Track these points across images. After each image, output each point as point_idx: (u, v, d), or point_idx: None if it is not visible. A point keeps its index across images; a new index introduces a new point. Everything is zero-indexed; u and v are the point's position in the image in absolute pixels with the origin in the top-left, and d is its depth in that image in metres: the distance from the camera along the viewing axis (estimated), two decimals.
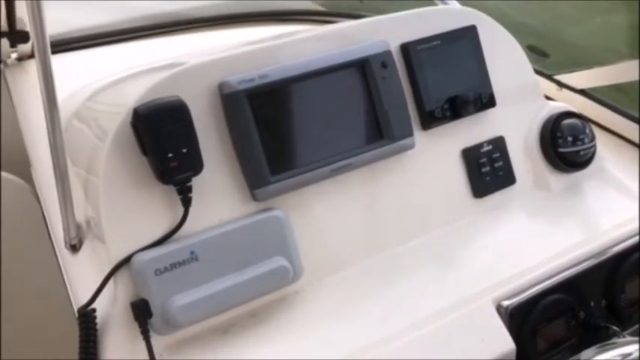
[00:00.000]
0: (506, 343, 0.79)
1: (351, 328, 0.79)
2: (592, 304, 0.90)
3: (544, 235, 0.94)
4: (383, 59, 0.88)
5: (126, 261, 0.75)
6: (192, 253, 0.75)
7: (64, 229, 0.83)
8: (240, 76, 0.79)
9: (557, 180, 1.03)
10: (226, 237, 0.78)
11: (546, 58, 1.40)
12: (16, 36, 1.00)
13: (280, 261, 0.79)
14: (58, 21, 1.49)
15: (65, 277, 0.85)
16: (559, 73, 1.19)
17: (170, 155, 0.73)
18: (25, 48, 1.27)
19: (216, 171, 0.80)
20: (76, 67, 1.32)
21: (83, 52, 1.43)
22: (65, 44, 1.41)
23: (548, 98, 1.23)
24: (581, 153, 1.01)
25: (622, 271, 0.91)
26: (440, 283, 0.85)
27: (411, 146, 0.91)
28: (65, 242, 0.84)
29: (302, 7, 1.83)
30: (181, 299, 0.74)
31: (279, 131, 0.82)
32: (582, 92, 1.17)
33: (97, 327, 0.74)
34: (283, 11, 1.67)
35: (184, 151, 0.74)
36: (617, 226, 0.95)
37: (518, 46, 1.04)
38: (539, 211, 1.00)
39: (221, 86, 0.79)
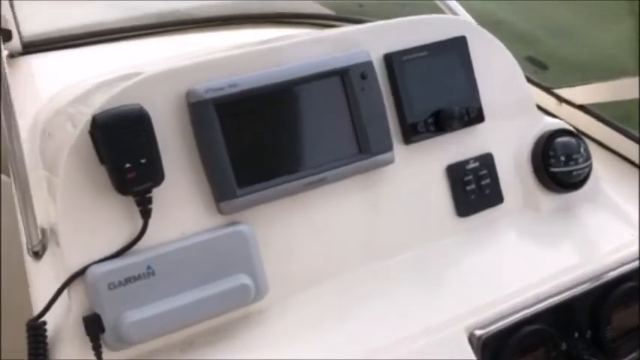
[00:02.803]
0: None
1: (312, 351, 0.76)
2: (576, 334, 0.85)
3: (529, 259, 0.90)
4: (363, 70, 0.84)
5: (81, 273, 0.72)
6: (148, 267, 0.73)
7: (25, 235, 0.81)
8: (208, 85, 0.76)
9: (548, 200, 0.98)
10: (186, 252, 0.75)
11: (545, 71, 1.34)
12: None
13: (242, 279, 0.76)
14: (55, 18, 1.48)
15: (29, 284, 0.83)
16: (559, 87, 1.14)
17: (128, 166, 0.70)
18: (14, 45, 1.26)
19: (182, 182, 0.77)
20: (70, 65, 1.31)
21: (79, 49, 1.42)
22: (62, 41, 1.40)
23: (547, 113, 1.18)
24: (574, 173, 0.96)
25: (609, 300, 0.86)
26: (411, 307, 0.81)
27: (390, 161, 0.87)
28: (27, 249, 0.81)
29: (307, 9, 1.79)
30: (134, 315, 0.71)
31: (249, 142, 0.79)
32: (582, 108, 1.12)
33: (47, 340, 0.71)
34: (285, 13, 1.63)
35: (143, 161, 0.71)
36: (608, 252, 0.90)
37: (512, 59, 0.99)
38: (527, 233, 0.95)
39: (188, 95, 0.76)
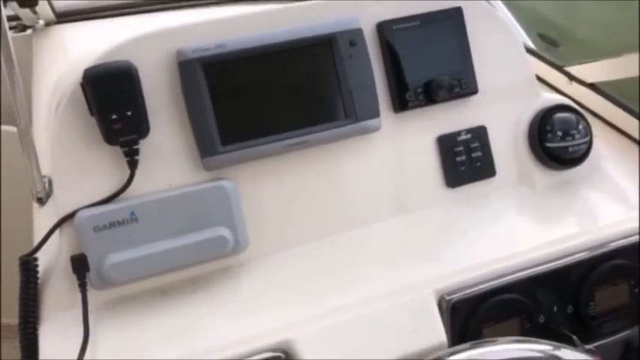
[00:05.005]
0: (438, 338, 0.75)
1: (286, 303, 0.79)
2: (555, 308, 0.84)
3: (516, 230, 0.89)
4: (352, 37, 0.86)
5: (71, 216, 0.78)
6: (132, 214, 0.78)
7: (30, 182, 0.87)
8: (196, 45, 0.80)
9: (543, 176, 0.97)
10: (168, 202, 0.79)
11: (556, 48, 1.30)
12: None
13: (221, 231, 0.80)
14: None
15: (34, 229, 0.90)
16: (570, 64, 1.11)
17: (114, 117, 0.75)
18: (49, 14, 1.34)
19: (169, 137, 0.82)
20: (101, 34, 1.38)
21: (110, 20, 1.48)
22: (93, 12, 1.47)
23: (558, 91, 1.16)
24: (570, 149, 0.94)
25: (594, 277, 0.85)
26: (387, 269, 0.83)
27: (376, 128, 0.88)
28: (32, 195, 0.88)
29: None
30: (116, 257, 0.76)
31: (234, 102, 0.82)
32: (592, 86, 1.09)
33: (39, 275, 0.78)
34: None
35: (129, 113, 0.76)
36: (599, 228, 0.89)
37: (513, 33, 0.98)
38: (516, 207, 0.94)
39: (177, 54, 0.81)
